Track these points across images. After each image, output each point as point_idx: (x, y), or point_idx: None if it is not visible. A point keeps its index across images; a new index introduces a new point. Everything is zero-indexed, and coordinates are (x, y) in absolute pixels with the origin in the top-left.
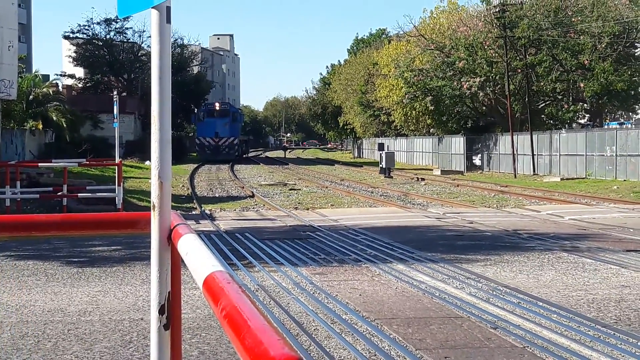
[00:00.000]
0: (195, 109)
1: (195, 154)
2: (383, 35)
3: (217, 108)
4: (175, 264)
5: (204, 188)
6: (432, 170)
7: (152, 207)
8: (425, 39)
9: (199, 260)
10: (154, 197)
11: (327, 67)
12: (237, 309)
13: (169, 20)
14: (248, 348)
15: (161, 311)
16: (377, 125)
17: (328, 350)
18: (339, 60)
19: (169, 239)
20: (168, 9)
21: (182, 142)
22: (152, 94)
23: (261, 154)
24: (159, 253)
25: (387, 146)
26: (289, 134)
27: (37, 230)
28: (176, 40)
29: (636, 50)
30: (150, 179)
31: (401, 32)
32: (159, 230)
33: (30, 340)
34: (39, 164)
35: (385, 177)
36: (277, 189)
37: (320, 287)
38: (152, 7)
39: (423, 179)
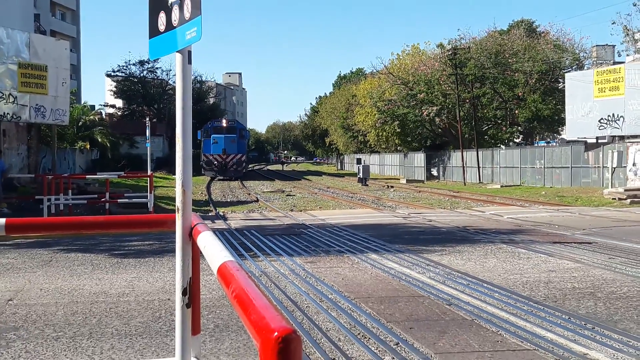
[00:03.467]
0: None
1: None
2: (360, 73)
3: (225, 125)
4: (195, 255)
5: (218, 195)
6: (399, 179)
7: (176, 210)
8: (393, 75)
9: (214, 252)
10: (178, 202)
11: (316, 98)
12: (244, 291)
13: (190, 62)
14: (253, 322)
15: (184, 293)
16: (356, 144)
17: (317, 323)
18: (325, 93)
19: (190, 235)
20: (189, 52)
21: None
22: (176, 120)
23: (264, 167)
24: (182, 246)
25: (364, 160)
26: (285, 152)
27: (90, 228)
28: (196, 77)
29: (559, 85)
30: (175, 187)
31: (374, 71)
32: (182, 228)
33: (80, 317)
34: (87, 176)
35: (362, 185)
36: (277, 195)
37: (311, 272)
38: (176, 51)
39: (392, 187)
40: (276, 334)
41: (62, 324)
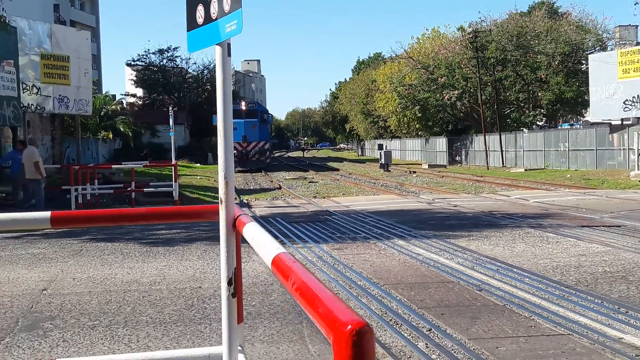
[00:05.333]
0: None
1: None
2: (379, 58)
3: (244, 108)
4: (237, 246)
5: (241, 182)
6: (421, 164)
7: (220, 202)
8: (413, 60)
9: (265, 244)
10: (222, 194)
11: (335, 84)
12: (305, 284)
13: (229, 54)
14: (322, 315)
15: (229, 283)
16: (377, 130)
17: None
18: (345, 79)
19: (234, 226)
20: (229, 45)
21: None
22: (217, 112)
23: (284, 154)
24: (227, 238)
25: (385, 146)
26: (305, 138)
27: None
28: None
29: (582, 66)
30: (198, 176)
31: (394, 55)
32: (226, 220)
33: (114, 305)
34: (112, 166)
35: (384, 171)
36: (299, 182)
37: (338, 259)
38: (216, 44)
39: (414, 172)
40: (350, 327)
41: (97, 312)
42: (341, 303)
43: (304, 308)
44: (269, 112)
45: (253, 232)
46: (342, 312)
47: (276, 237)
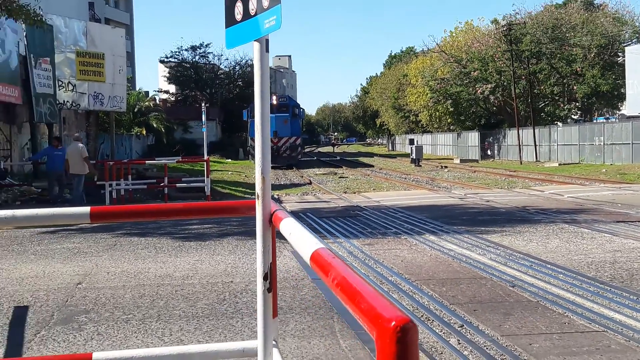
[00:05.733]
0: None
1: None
2: (411, 52)
3: (275, 102)
4: (273, 241)
5: (271, 178)
6: (452, 159)
7: (256, 197)
8: (446, 54)
9: (303, 239)
10: (258, 189)
11: (366, 78)
12: (346, 280)
13: (267, 50)
14: (364, 311)
15: (265, 278)
16: (407, 124)
17: None
18: (376, 73)
19: (270, 221)
20: (267, 41)
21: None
22: (255, 108)
23: (314, 150)
24: (263, 233)
25: (416, 141)
26: (335, 133)
27: (172, 215)
28: (247, 61)
29: (619, 59)
30: (229, 172)
31: (426, 49)
32: (262, 215)
33: (147, 299)
34: (146, 162)
35: (415, 166)
36: (329, 177)
37: (369, 255)
38: (254, 40)
39: (446, 167)
40: (394, 323)
41: (130, 306)
42: (384, 299)
43: (345, 304)
44: (300, 106)
45: (291, 227)
46: (386, 308)
47: None
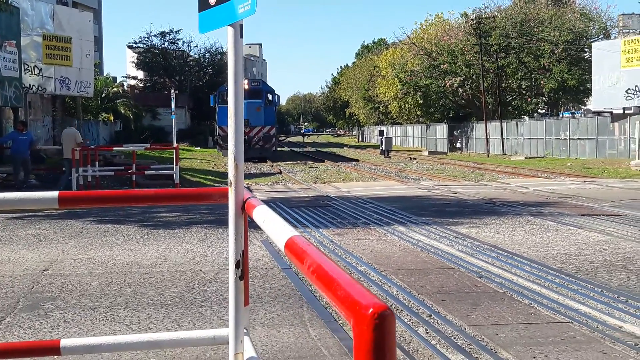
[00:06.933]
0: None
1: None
2: (382, 44)
3: (246, 87)
4: (245, 230)
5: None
6: (421, 151)
7: (229, 184)
8: (416, 46)
9: (277, 227)
10: (231, 176)
11: (337, 68)
12: (322, 267)
13: (241, 35)
14: (341, 298)
15: (237, 265)
16: (377, 115)
17: None
18: (347, 63)
19: (243, 209)
20: (241, 26)
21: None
22: (228, 94)
23: (285, 139)
24: (235, 220)
25: (386, 132)
26: (306, 123)
27: (140, 201)
28: (217, 48)
29: (585, 55)
30: (198, 159)
31: (397, 41)
32: (235, 202)
33: (114, 287)
34: (114, 148)
35: (384, 157)
36: (299, 167)
37: (339, 244)
38: (228, 25)
39: (415, 159)
40: (371, 310)
41: (98, 294)
42: (361, 286)
43: (321, 291)
44: (275, 92)
45: (264, 214)
46: (363, 296)
47: None
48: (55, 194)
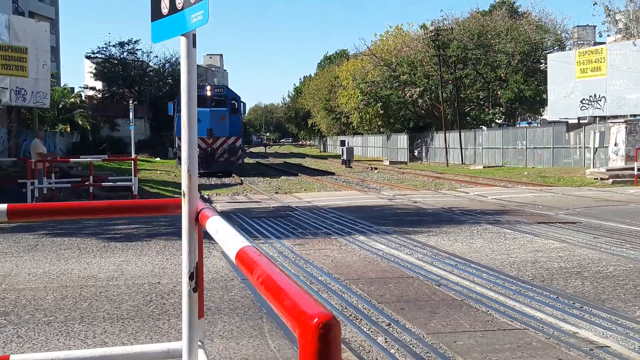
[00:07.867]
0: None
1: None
2: (344, 55)
3: (209, 94)
4: (199, 240)
5: (202, 178)
6: (382, 161)
7: (182, 195)
8: (376, 57)
9: (229, 237)
10: (184, 187)
11: (299, 78)
12: (271, 277)
13: (194, 45)
14: (288, 308)
15: (191, 277)
16: (339, 126)
17: None
18: (310, 74)
19: (197, 220)
20: (194, 36)
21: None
22: (181, 104)
23: (247, 149)
24: (189, 232)
25: (347, 142)
26: (268, 134)
27: (94, 213)
28: (177, 59)
29: (541, 66)
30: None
31: (357, 52)
32: (188, 213)
33: (70, 301)
34: (70, 159)
35: (346, 167)
36: (261, 178)
37: (299, 255)
38: (181, 35)
39: (376, 168)
40: (316, 320)
41: (52, 308)
42: (308, 296)
43: (269, 302)
44: (241, 99)
45: (217, 225)
46: (309, 305)
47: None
48: (4, 206)
